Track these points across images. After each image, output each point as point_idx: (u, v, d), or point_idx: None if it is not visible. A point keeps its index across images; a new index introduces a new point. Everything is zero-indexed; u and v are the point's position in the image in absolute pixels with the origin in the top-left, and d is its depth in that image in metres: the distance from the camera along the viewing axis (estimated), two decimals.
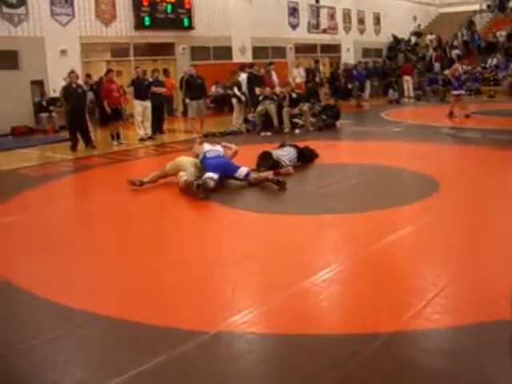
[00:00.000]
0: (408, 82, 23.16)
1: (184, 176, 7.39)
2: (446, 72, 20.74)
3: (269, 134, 13.38)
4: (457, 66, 16.53)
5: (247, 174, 7.61)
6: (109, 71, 13.70)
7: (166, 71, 18.29)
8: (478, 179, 7.72)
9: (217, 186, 7.26)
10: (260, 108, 13.89)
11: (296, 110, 13.76)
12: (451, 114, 14.95)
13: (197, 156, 8.00)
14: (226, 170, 7.60)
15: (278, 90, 14.81)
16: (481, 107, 17.35)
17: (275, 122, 13.64)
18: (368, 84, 23.20)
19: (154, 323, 3.64)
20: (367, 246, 4.96)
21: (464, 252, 4.85)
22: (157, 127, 14.26)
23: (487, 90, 22.62)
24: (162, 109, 14.77)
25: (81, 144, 12.38)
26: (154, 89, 13.86)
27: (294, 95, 14.07)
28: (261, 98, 14.10)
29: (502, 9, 29.24)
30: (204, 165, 7.55)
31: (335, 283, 4.22)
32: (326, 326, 3.62)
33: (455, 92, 15.21)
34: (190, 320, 3.66)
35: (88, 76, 16.29)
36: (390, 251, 4.94)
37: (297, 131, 13.51)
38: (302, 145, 9.25)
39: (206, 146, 7.97)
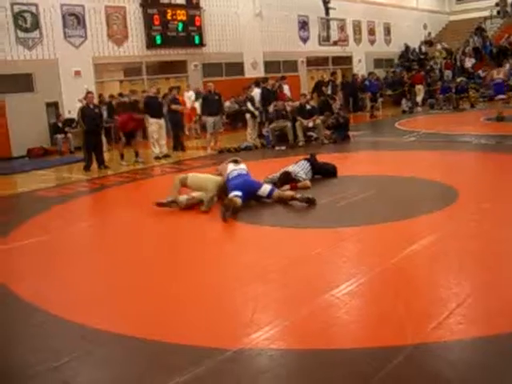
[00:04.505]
0: (420, 90, 23.13)
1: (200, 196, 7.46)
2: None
3: (283, 148, 13.40)
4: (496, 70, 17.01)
5: (270, 192, 7.47)
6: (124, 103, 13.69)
7: (178, 89, 18.38)
8: (496, 187, 7.64)
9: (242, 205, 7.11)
10: (274, 125, 13.93)
11: (310, 124, 13.72)
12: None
13: (220, 174, 7.92)
14: (249, 189, 7.40)
15: (288, 107, 14.74)
16: (496, 113, 17.17)
17: (290, 137, 13.67)
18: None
19: (175, 341, 3.61)
20: (388, 258, 4.92)
21: (485, 261, 4.78)
22: (178, 144, 14.33)
23: None
24: (180, 126, 14.85)
25: (94, 164, 12.41)
26: (174, 106, 13.90)
27: (308, 107, 14.08)
28: (274, 113, 14.10)
29: None
30: (228, 186, 7.45)
31: (357, 296, 4.17)
32: (349, 340, 3.58)
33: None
34: (212, 337, 3.63)
35: (101, 96, 16.43)
36: (411, 262, 4.88)
37: (312, 144, 13.46)
38: (319, 158, 9.21)
39: (230, 167, 7.79)
